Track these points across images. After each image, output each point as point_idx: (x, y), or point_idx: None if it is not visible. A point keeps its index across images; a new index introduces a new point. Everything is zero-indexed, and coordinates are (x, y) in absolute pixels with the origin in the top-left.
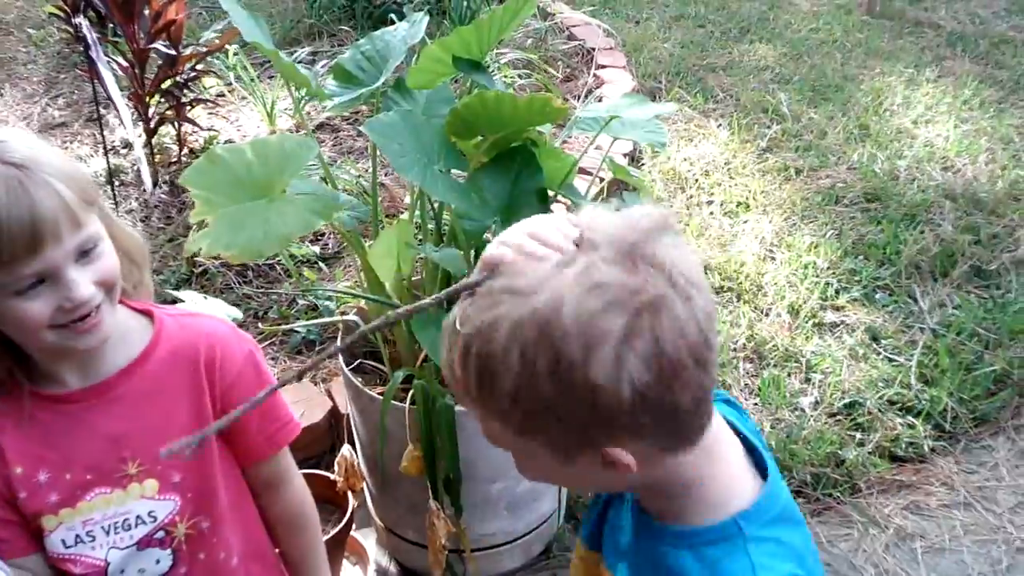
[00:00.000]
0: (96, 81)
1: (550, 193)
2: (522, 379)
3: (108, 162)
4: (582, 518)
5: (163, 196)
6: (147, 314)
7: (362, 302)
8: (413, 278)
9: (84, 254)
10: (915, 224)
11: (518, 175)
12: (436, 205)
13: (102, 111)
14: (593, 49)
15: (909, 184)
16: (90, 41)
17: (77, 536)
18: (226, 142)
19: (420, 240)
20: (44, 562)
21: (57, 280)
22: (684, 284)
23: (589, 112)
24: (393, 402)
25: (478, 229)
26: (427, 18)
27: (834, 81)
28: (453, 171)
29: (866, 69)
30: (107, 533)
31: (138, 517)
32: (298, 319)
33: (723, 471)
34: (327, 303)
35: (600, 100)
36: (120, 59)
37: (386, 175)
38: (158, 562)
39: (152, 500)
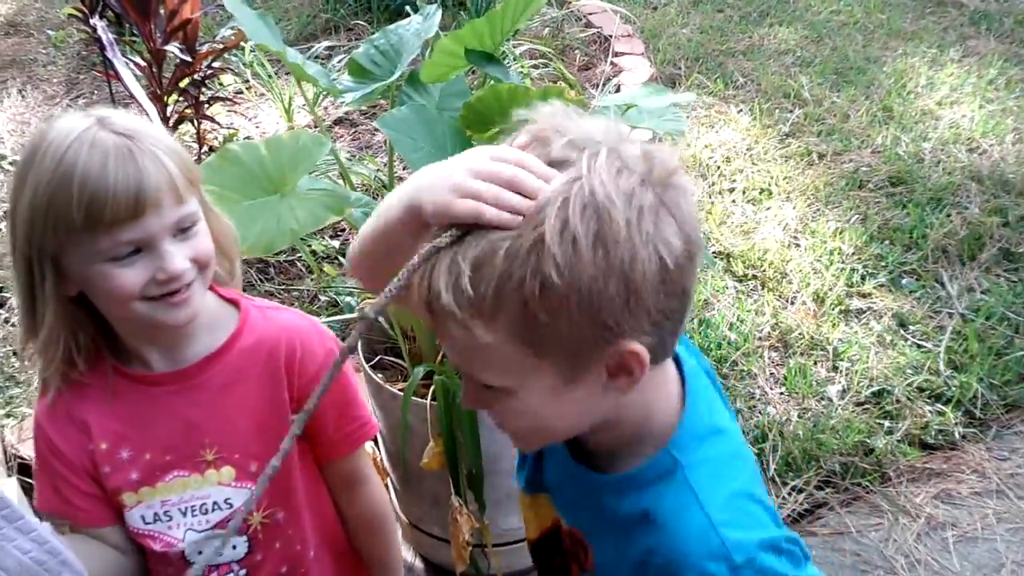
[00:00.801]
0: (114, 81)
1: None
2: (562, 261)
3: None
4: (516, 475)
5: None
6: (235, 304)
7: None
8: None
9: (182, 231)
10: (941, 207)
11: None
12: None
13: (122, 110)
14: (610, 37)
15: (934, 167)
16: (106, 42)
17: (156, 514)
18: (245, 139)
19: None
20: (123, 534)
21: (153, 250)
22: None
23: (606, 102)
24: (414, 398)
25: None
26: (440, 11)
27: (856, 63)
28: None
29: (888, 50)
30: (184, 515)
31: (215, 503)
32: (319, 315)
33: (662, 394)
34: (348, 299)
35: (618, 89)
36: (138, 59)
37: (404, 170)
38: (234, 547)
39: (229, 487)
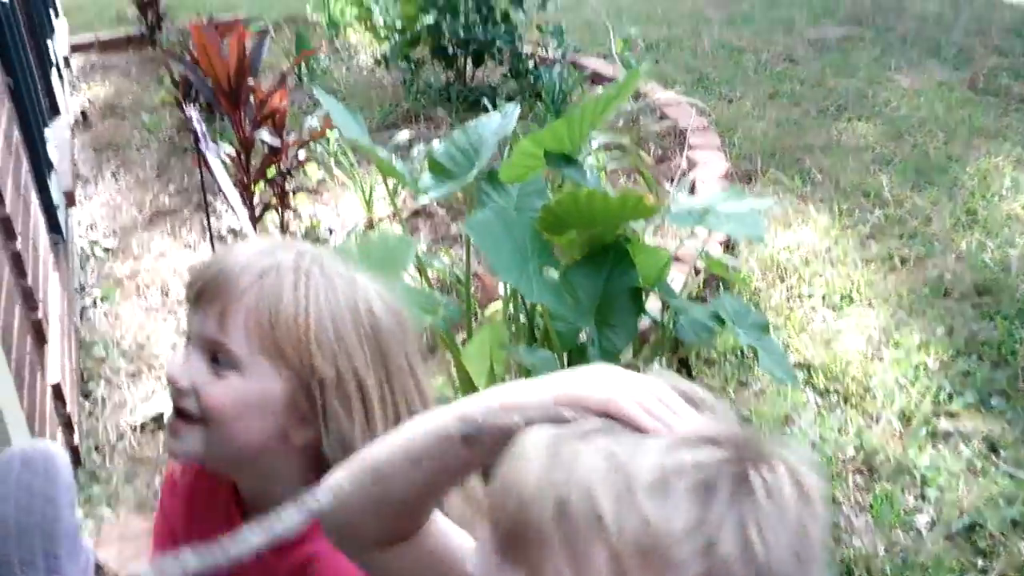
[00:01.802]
0: (205, 170)
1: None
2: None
3: (213, 247)
4: None
5: None
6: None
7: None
8: (506, 377)
9: (215, 359)
10: None
11: (611, 273)
12: (529, 303)
13: (209, 198)
14: (685, 129)
15: (1022, 276)
16: (199, 133)
17: None
18: (328, 230)
19: (514, 337)
20: None
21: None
22: None
23: (683, 206)
24: None
25: (571, 331)
26: (518, 109)
27: (938, 162)
28: (546, 267)
29: (971, 149)
30: None
31: None
32: None
33: None
34: None
35: (692, 184)
36: (227, 146)
37: (479, 263)
38: None
39: None
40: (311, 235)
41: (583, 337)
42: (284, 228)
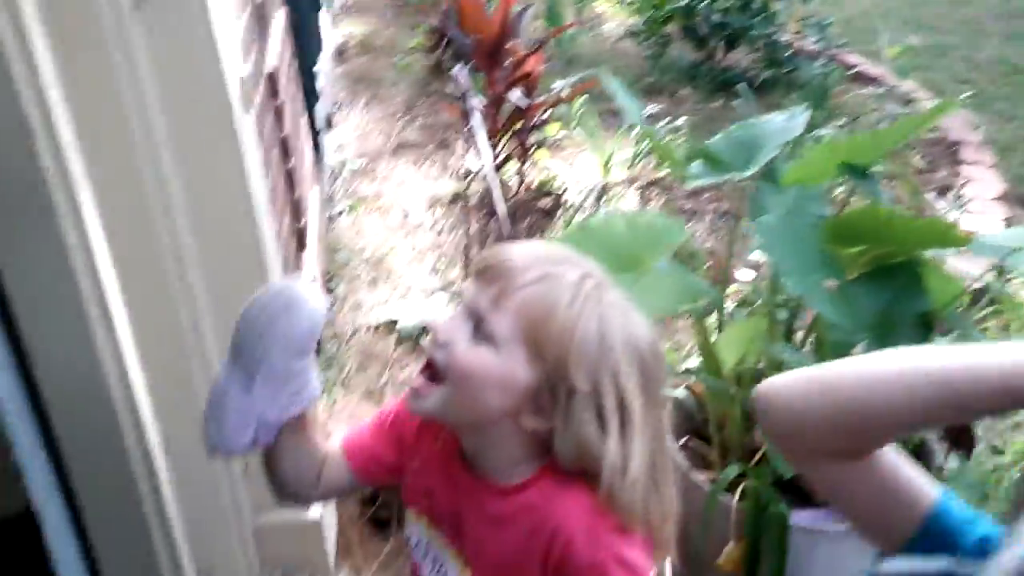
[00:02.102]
0: (453, 115)
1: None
2: None
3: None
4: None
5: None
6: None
7: (692, 379)
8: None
9: (477, 326)
10: None
11: (898, 294)
12: (793, 302)
13: (454, 140)
14: (957, 142)
15: None
16: (465, 86)
17: (423, 546)
18: (562, 187)
19: (769, 334)
20: (340, 474)
21: None
22: None
23: (989, 239)
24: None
25: (845, 344)
26: (807, 113)
27: None
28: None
29: None
30: (434, 567)
31: None
32: None
33: None
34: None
35: (959, 199)
36: (477, 100)
37: (713, 238)
38: None
39: None
40: (545, 188)
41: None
42: (521, 179)
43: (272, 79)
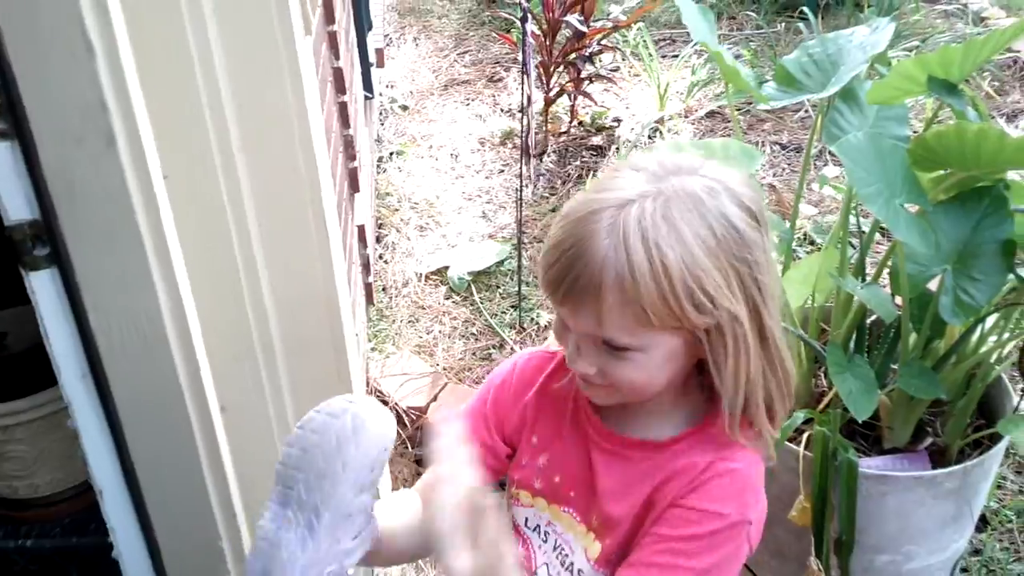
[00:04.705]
0: (507, 44)
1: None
2: None
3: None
4: None
5: (550, 165)
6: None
7: None
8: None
9: (611, 347)
10: None
11: (981, 220)
12: (864, 235)
13: (505, 73)
14: None
15: None
16: (526, 11)
17: (539, 527)
18: (615, 120)
19: (839, 268)
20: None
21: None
22: None
23: None
24: (786, 444)
25: (923, 277)
26: (892, 24)
27: None
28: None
29: None
30: (553, 549)
31: (573, 564)
32: None
33: None
34: None
35: None
36: (534, 27)
37: (774, 176)
38: None
39: (588, 562)
40: (598, 123)
41: (931, 285)
42: (573, 114)
43: (328, 2)
